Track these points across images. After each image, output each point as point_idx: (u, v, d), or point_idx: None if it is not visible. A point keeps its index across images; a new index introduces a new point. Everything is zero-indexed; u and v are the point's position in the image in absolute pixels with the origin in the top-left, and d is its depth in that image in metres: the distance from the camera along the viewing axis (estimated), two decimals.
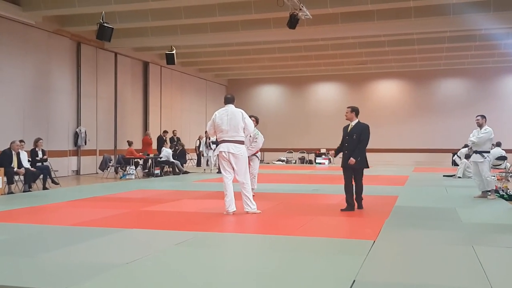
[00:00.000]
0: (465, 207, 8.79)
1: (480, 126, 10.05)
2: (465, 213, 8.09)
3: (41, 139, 12.97)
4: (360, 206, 8.45)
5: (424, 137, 25.70)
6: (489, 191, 9.98)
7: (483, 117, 10.14)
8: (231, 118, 7.75)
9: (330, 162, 25.60)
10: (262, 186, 11.34)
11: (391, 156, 25.51)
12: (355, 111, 8.44)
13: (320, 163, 25.33)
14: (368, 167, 8.41)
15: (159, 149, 18.41)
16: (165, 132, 19.79)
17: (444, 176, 16.45)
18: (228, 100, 7.97)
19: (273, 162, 26.40)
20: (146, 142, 18.38)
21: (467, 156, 16.41)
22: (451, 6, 13.77)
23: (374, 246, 5.53)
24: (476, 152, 10.05)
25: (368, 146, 8.34)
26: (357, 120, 8.42)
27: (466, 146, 17.39)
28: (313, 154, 26.52)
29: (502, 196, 9.98)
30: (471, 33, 17.52)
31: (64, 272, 4.54)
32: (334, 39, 18.35)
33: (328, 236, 6.24)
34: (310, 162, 26.56)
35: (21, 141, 12.17)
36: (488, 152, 10.05)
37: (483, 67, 24.65)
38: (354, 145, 8.22)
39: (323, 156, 25.72)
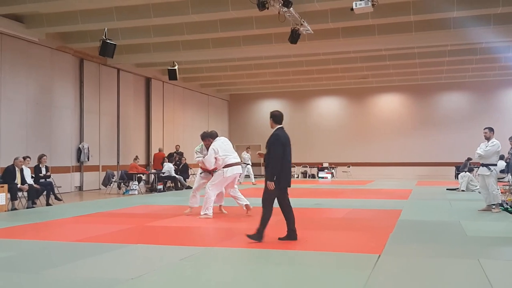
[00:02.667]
0: (469, 220, 8.77)
1: (488, 139, 9.97)
2: (469, 226, 8.07)
3: (44, 155, 12.94)
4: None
5: (426, 150, 25.66)
6: (494, 204, 9.94)
7: (491, 129, 10.04)
8: (229, 145, 9.68)
9: (333, 176, 25.58)
10: None
11: (394, 170, 25.39)
12: (273, 117, 6.78)
13: (322, 177, 25.28)
14: (275, 187, 6.53)
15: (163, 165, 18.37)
16: (175, 152, 19.68)
17: (447, 189, 16.41)
18: (216, 135, 9.92)
19: None
20: (159, 157, 18.21)
21: (470, 170, 16.41)
22: (451, 20, 13.86)
23: (380, 260, 5.51)
24: (482, 165, 10.00)
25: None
26: (276, 127, 6.78)
27: (469, 159, 17.40)
28: (316, 169, 26.51)
29: (506, 209, 9.95)
30: (472, 47, 17.59)
31: None
32: (335, 53, 18.46)
33: (332, 251, 6.23)
34: (313, 176, 26.54)
35: (26, 157, 12.18)
36: (495, 165, 9.95)
37: (484, 81, 24.70)
38: (267, 161, 6.64)
39: (326, 170, 25.70)
